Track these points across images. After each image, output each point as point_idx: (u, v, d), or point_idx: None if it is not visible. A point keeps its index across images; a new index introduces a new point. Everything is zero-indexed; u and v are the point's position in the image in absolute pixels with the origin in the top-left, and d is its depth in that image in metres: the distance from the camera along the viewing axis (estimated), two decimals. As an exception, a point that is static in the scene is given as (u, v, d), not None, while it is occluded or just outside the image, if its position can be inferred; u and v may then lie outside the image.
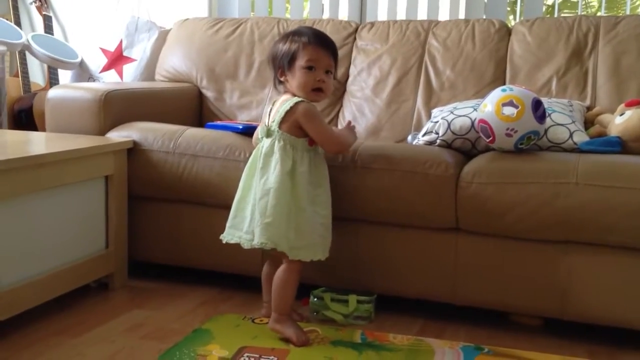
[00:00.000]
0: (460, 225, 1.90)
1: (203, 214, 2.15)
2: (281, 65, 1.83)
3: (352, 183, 1.95)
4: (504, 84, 2.36)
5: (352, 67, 2.62)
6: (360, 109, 2.55)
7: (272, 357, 1.68)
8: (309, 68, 1.78)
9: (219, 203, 2.08)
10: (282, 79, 1.84)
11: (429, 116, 2.37)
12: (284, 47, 1.83)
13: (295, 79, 1.80)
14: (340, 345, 1.77)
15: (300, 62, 1.79)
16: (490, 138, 1.92)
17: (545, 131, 1.97)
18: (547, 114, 1.94)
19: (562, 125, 2.00)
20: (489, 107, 1.91)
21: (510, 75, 2.41)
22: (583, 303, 1.83)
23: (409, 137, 2.32)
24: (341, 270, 2.02)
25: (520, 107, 1.85)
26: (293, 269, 1.79)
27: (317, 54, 1.79)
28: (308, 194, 1.77)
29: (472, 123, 2.01)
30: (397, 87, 2.52)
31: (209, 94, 2.74)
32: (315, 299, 1.99)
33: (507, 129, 1.87)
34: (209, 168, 2.09)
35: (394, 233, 1.97)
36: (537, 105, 1.87)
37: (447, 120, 2.06)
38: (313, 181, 1.79)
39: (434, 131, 2.10)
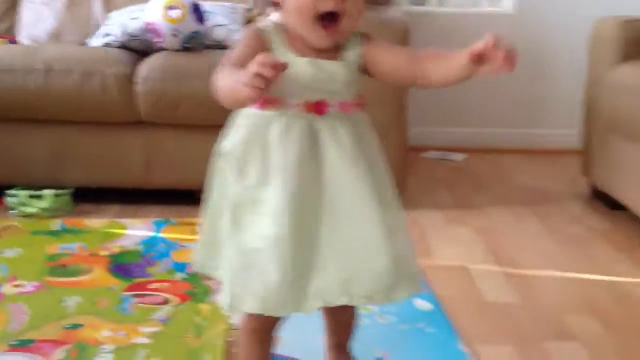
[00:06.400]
0: (144, 118, 2.14)
1: None
2: None
3: (36, 85, 2.07)
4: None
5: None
6: (39, 14, 2.52)
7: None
8: None
9: None
10: None
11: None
12: None
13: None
14: (40, 234, 1.95)
15: None
16: (160, 39, 2.16)
17: (210, 32, 2.26)
18: (205, 17, 2.21)
19: (222, 25, 2.30)
20: (156, 9, 2.13)
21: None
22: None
23: (91, 40, 2.43)
24: (36, 170, 2.17)
25: (182, 10, 2.11)
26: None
27: None
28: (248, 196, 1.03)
29: (145, 25, 2.22)
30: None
31: None
32: (10, 198, 2.11)
33: (173, 30, 2.12)
34: None
35: (85, 130, 2.16)
36: (196, 8, 2.14)
37: (122, 23, 2.24)
38: (263, 171, 1.03)
39: (111, 33, 2.27)
